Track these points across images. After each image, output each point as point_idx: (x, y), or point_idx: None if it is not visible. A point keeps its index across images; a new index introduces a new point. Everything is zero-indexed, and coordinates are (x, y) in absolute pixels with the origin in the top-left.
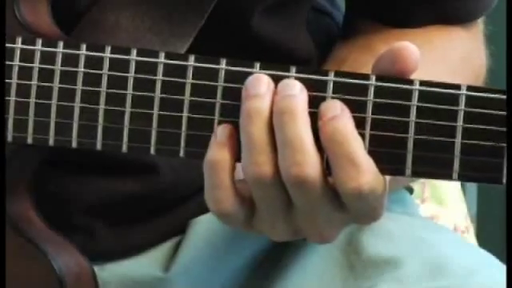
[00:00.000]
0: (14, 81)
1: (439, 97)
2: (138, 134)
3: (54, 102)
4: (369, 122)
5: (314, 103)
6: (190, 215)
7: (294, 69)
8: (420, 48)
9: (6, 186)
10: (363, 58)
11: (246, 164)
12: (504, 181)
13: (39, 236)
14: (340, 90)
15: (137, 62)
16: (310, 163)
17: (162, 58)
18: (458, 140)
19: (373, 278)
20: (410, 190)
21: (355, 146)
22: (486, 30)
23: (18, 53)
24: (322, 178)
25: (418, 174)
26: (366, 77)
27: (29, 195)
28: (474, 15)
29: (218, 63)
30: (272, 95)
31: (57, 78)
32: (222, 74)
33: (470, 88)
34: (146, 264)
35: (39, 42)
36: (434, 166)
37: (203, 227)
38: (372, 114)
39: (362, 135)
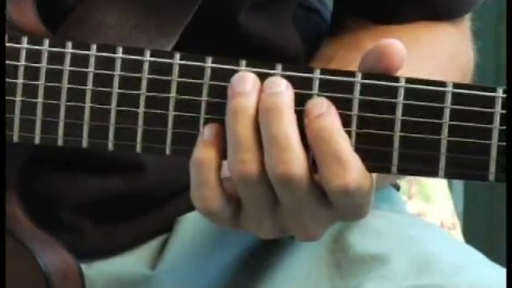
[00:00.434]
0: None
1: (425, 94)
2: (124, 132)
3: (39, 100)
4: (355, 120)
5: (300, 101)
6: (176, 213)
7: (279, 66)
8: (407, 45)
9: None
10: (351, 56)
11: (232, 162)
12: (490, 178)
13: (25, 234)
14: (326, 87)
15: (123, 60)
16: (296, 161)
17: (147, 56)
18: (445, 137)
19: (360, 276)
20: (397, 187)
21: (341, 143)
22: (473, 26)
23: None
24: (308, 176)
25: (404, 171)
26: (351, 74)
27: (15, 193)
28: (461, 11)
29: (204, 61)
30: (258, 93)
31: (42, 76)
32: (207, 72)
33: (456, 85)
34: (133, 262)
35: (25, 39)
36: (420, 163)
37: (190, 225)
38: (358, 111)
39: (349, 133)
